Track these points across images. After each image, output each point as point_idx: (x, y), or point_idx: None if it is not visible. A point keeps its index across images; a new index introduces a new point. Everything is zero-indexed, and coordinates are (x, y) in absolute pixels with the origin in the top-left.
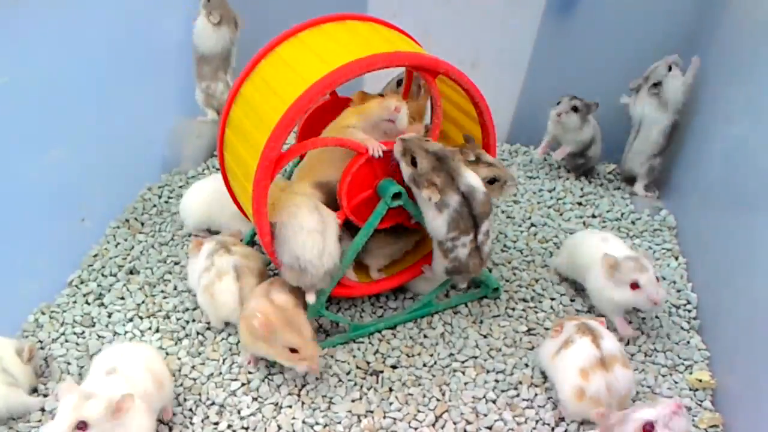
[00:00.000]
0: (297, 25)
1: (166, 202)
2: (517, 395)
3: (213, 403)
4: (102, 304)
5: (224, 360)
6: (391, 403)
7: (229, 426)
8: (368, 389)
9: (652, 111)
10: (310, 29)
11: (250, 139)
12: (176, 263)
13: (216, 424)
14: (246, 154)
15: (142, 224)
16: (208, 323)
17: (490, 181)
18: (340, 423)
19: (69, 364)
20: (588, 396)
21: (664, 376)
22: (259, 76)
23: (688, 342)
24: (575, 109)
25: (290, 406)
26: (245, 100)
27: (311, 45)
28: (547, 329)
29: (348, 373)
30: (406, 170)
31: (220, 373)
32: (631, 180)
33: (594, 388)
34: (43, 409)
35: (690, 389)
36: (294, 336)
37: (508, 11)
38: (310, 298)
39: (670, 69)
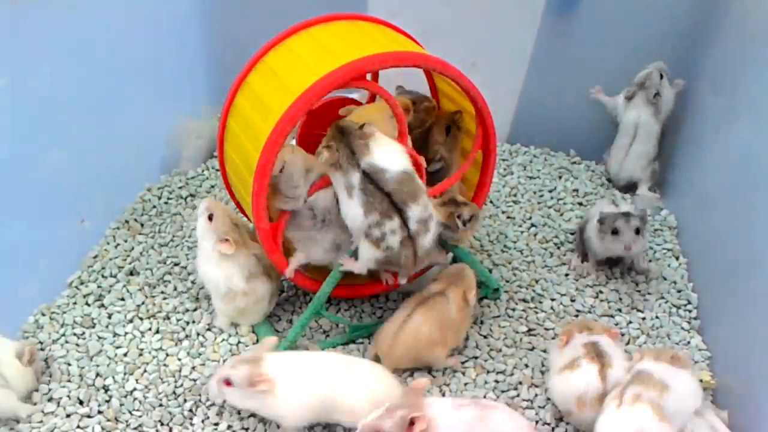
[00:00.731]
0: (305, 20)
1: (166, 203)
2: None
3: (213, 404)
4: (102, 305)
5: (224, 361)
6: None
7: (229, 427)
8: None
9: (649, 118)
10: (319, 25)
11: (254, 128)
12: (176, 264)
13: (216, 425)
14: (248, 143)
15: (142, 225)
16: (209, 325)
17: (469, 219)
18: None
19: (69, 365)
20: (572, 420)
21: None
22: (267, 66)
23: (689, 342)
24: (638, 231)
25: None
26: (251, 89)
27: (321, 40)
28: (547, 329)
29: None
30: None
31: None
32: (630, 187)
33: (582, 419)
34: (43, 411)
35: None
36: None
37: (508, 11)
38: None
39: (661, 77)
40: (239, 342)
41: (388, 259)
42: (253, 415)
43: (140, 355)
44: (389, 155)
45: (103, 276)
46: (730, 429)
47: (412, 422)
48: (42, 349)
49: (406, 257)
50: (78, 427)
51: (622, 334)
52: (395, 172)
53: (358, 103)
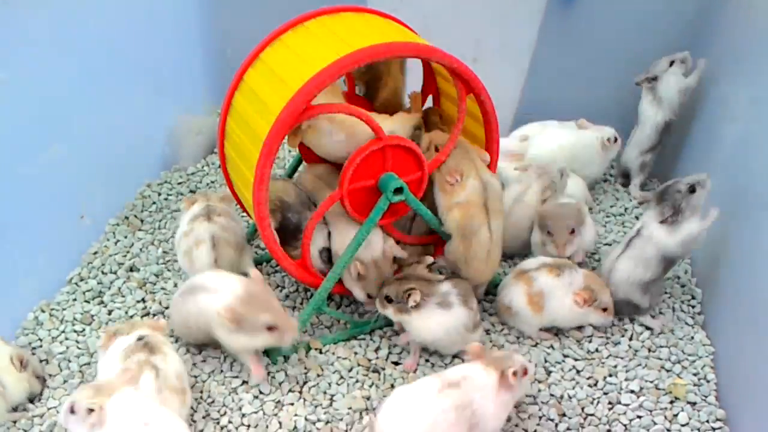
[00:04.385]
0: (301, 15)
1: (166, 199)
2: None
3: (214, 401)
4: (102, 302)
5: (225, 357)
6: None
7: (230, 422)
8: (370, 386)
9: (647, 105)
10: (315, 19)
11: (254, 127)
12: (176, 260)
13: (217, 421)
14: (249, 142)
15: (142, 221)
16: None
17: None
18: (341, 420)
19: (69, 361)
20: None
21: (668, 371)
22: (264, 63)
23: (693, 337)
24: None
25: (292, 404)
26: (249, 87)
27: (317, 33)
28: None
29: (350, 370)
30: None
31: (222, 371)
32: (626, 176)
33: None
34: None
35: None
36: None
37: (510, 4)
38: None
39: (671, 65)
40: None
41: None
42: (255, 411)
43: None
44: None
45: (102, 272)
46: (733, 424)
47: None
48: (41, 346)
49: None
50: None
51: (623, 328)
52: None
53: (362, 100)
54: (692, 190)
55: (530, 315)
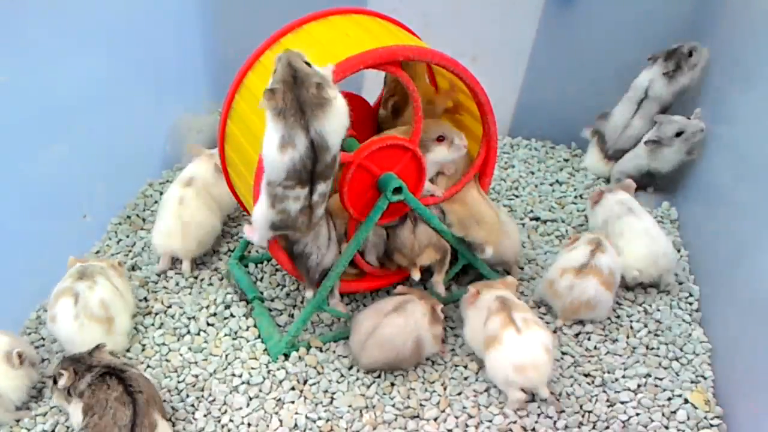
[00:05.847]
0: (302, 17)
1: None
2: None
3: (215, 399)
4: None
5: (226, 356)
6: (392, 398)
7: (231, 421)
8: (370, 384)
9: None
10: (316, 21)
11: (253, 130)
12: (178, 259)
13: (218, 419)
14: (249, 145)
15: (144, 220)
16: (212, 319)
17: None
18: (342, 418)
19: None
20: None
21: (666, 368)
22: (264, 66)
23: (690, 334)
24: None
25: (292, 402)
26: (249, 91)
27: (317, 36)
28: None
29: (350, 368)
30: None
31: (223, 369)
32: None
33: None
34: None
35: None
36: None
37: (509, 4)
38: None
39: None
40: (240, 337)
41: (283, 222)
42: (256, 410)
43: (143, 350)
44: (339, 130)
45: None
46: (730, 421)
47: None
48: (43, 345)
49: (302, 223)
50: None
51: (621, 325)
52: (334, 154)
53: (364, 101)
54: (690, 54)
55: (609, 297)
